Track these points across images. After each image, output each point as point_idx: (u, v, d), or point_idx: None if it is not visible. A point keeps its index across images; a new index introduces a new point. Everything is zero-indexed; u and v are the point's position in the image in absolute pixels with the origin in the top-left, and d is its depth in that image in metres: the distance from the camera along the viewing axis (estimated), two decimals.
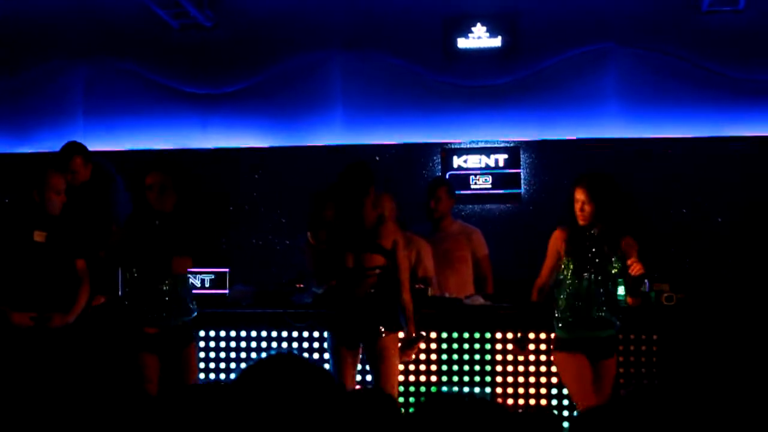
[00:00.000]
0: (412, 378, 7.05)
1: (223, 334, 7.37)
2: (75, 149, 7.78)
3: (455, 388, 6.98)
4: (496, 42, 9.52)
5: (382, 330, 6.29)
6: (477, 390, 6.97)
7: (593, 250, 6.10)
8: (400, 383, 6.80)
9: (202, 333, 7.32)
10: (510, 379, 6.97)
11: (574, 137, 9.32)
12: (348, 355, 6.37)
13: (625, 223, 6.22)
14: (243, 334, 7.35)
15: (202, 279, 7.77)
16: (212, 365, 7.34)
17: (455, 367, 7.03)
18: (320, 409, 2.40)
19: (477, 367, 7.02)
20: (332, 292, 6.49)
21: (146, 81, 10.09)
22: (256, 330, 7.33)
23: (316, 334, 7.23)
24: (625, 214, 6.31)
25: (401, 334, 6.42)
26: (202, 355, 7.31)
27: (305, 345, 7.25)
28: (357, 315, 6.32)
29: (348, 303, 6.35)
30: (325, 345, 6.88)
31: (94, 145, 9.74)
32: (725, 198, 9.16)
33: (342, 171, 6.43)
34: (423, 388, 7.06)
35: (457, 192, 9.24)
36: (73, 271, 6.48)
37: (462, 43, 9.55)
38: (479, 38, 9.53)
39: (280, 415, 2.33)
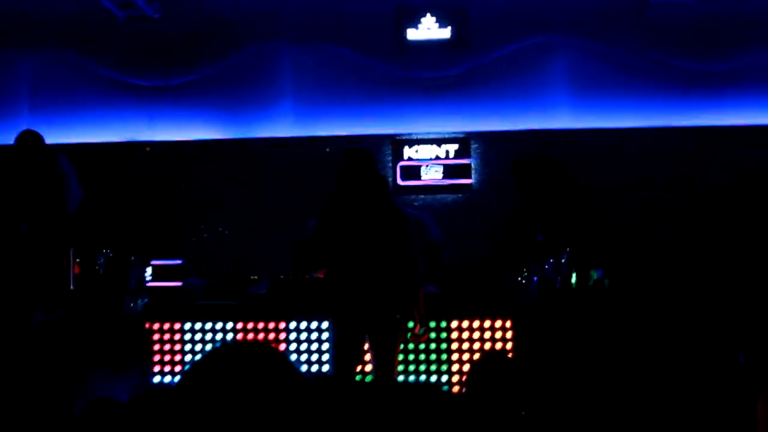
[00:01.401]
0: (369, 368, 7.06)
1: (177, 326, 7.32)
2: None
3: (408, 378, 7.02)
4: (446, 33, 9.56)
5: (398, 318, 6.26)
6: (433, 378, 7.01)
7: None
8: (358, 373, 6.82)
9: (156, 326, 7.26)
10: (466, 368, 7.01)
11: (525, 128, 9.40)
12: (364, 342, 6.28)
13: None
14: (198, 326, 7.30)
15: (155, 271, 7.72)
16: (167, 358, 7.29)
17: (411, 356, 7.06)
18: (278, 395, 2.38)
19: (433, 356, 7.05)
20: (342, 279, 6.31)
21: (92, 73, 9.99)
22: (211, 322, 7.28)
23: (271, 325, 7.21)
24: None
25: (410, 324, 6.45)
26: (156, 348, 7.25)
27: (261, 336, 7.23)
28: (372, 303, 6.21)
29: (363, 291, 6.23)
30: (292, 336, 6.88)
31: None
32: (673, 188, 9.29)
33: (346, 158, 6.38)
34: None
35: (408, 183, 9.30)
36: None
37: (412, 34, 9.58)
38: (429, 29, 9.57)
39: (237, 406, 2.31)
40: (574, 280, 7.07)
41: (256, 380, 2.29)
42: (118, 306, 6.68)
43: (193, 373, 2.35)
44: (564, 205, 6.19)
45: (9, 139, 9.84)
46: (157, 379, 7.20)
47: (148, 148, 9.73)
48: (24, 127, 9.87)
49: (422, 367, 7.04)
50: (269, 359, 2.38)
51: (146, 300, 6.76)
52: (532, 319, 6.14)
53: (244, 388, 2.26)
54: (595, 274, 7.43)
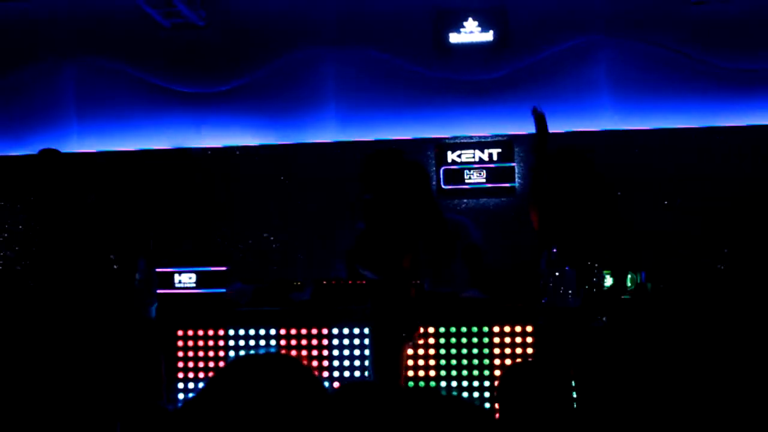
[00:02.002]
0: (410, 373, 7.07)
1: (221, 333, 7.39)
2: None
3: (445, 383, 7.02)
4: (488, 36, 9.55)
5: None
6: (475, 383, 7.00)
7: None
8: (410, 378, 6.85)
9: (200, 332, 7.34)
10: None
11: (567, 130, 9.35)
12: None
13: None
14: (242, 332, 7.36)
15: (199, 277, 7.80)
16: (212, 364, 7.36)
17: (453, 362, 7.06)
18: (299, 407, 2.40)
19: (475, 361, 7.05)
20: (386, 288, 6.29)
21: (139, 81, 10.10)
22: (254, 329, 7.34)
23: (314, 331, 7.25)
24: None
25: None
26: (201, 354, 7.32)
27: (303, 342, 7.27)
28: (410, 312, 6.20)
29: (402, 300, 6.21)
30: (335, 342, 6.92)
31: (89, 147, 9.82)
32: (715, 188, 9.19)
33: (396, 167, 6.33)
34: (421, 383, 7.09)
35: (451, 186, 9.31)
36: None
37: (454, 38, 9.58)
38: (471, 33, 9.56)
39: (254, 416, 2.33)
40: (609, 282, 7.01)
41: (274, 390, 2.32)
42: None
43: (212, 383, 2.38)
44: (589, 204, 6.08)
45: (59, 147, 10.01)
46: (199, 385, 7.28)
47: (209, 152, 9.83)
48: (74, 136, 10.07)
49: (464, 372, 7.05)
50: (288, 369, 2.41)
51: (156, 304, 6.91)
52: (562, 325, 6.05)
53: (261, 399, 2.29)
54: (638, 278, 7.39)
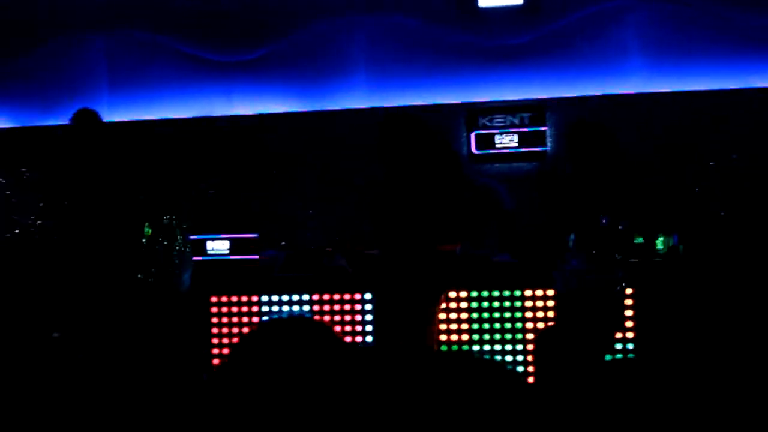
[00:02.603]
0: (443, 337, 7.11)
1: (255, 299, 7.45)
2: None
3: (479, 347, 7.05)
4: (518, 0, 9.49)
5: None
6: (507, 347, 7.03)
7: None
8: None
9: (234, 299, 7.40)
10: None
11: (599, 93, 9.30)
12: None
13: None
14: (275, 298, 7.43)
15: (232, 244, 7.85)
16: (245, 330, 7.42)
17: (485, 325, 7.09)
18: (324, 367, 2.42)
19: (507, 325, 7.08)
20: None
21: (168, 50, 10.12)
22: (287, 295, 7.40)
23: (347, 296, 7.30)
24: None
25: None
26: (234, 320, 7.40)
27: (336, 308, 7.32)
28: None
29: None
30: (368, 307, 6.96)
31: (120, 116, 9.87)
32: (750, 150, 9.13)
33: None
34: (454, 347, 7.13)
35: (482, 152, 9.29)
36: None
37: (483, 2, 9.52)
38: None
39: (282, 379, 2.35)
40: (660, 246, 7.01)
41: (302, 353, 2.35)
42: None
43: (239, 347, 2.42)
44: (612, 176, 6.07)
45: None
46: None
47: (222, 123, 9.86)
48: (105, 106, 10.13)
49: (496, 336, 7.08)
50: (314, 332, 2.44)
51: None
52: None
53: (289, 361, 2.32)
54: (670, 241, 7.38)
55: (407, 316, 6.12)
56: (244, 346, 2.37)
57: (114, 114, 9.99)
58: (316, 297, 7.35)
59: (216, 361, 7.37)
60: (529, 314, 7.06)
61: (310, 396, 2.28)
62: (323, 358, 2.34)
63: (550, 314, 6.99)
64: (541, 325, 7.00)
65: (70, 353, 6.23)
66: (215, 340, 7.40)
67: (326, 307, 7.32)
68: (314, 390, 2.29)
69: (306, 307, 7.36)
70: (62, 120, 10.08)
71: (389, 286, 6.10)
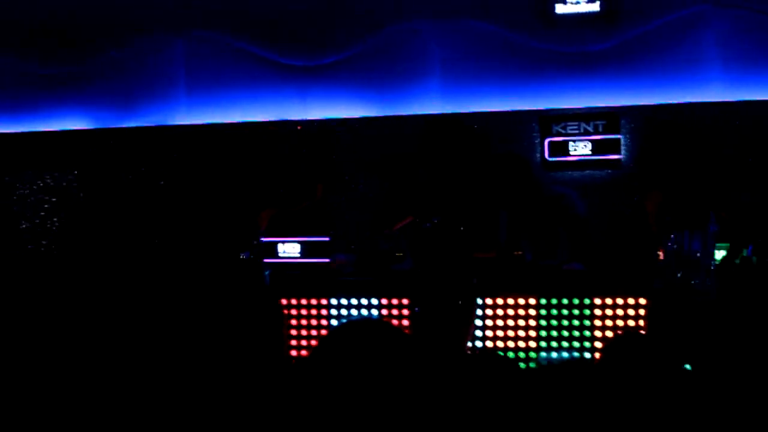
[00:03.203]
0: (511, 344, 7.09)
1: (324, 302, 7.49)
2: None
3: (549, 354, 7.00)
4: (595, 7, 9.42)
5: None
6: (575, 355, 6.97)
7: None
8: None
9: (304, 301, 7.45)
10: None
11: (675, 101, 9.19)
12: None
13: None
14: (344, 301, 7.46)
15: (304, 247, 7.92)
16: (314, 333, 7.47)
17: (554, 333, 7.05)
18: (407, 372, 2.46)
19: (576, 333, 7.02)
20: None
21: (245, 53, 10.24)
22: (356, 298, 7.43)
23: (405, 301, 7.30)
24: None
25: None
26: (303, 322, 7.45)
27: (405, 312, 7.33)
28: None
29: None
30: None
31: (197, 119, 10.01)
32: None
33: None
34: (522, 354, 7.10)
35: (556, 158, 9.25)
36: None
37: (560, 8, 9.47)
38: (577, 3, 9.44)
39: (365, 381, 2.40)
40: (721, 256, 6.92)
41: (380, 354, 2.39)
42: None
43: (321, 348, 2.47)
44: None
45: (167, 120, 10.27)
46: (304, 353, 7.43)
47: (299, 127, 9.93)
48: (183, 108, 10.28)
49: (564, 344, 7.03)
50: (389, 335, 2.48)
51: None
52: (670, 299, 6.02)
53: (368, 362, 2.36)
54: (744, 251, 7.26)
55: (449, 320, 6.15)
56: (324, 348, 2.43)
57: (191, 116, 10.15)
58: (384, 301, 7.37)
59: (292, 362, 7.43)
60: (597, 323, 7.00)
61: (389, 395, 2.32)
62: (399, 359, 2.38)
63: (620, 323, 6.93)
64: (609, 334, 6.93)
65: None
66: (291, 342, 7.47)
67: (394, 311, 7.34)
68: (392, 389, 2.33)
69: (374, 311, 7.38)
70: (140, 122, 10.29)
71: (428, 292, 6.14)
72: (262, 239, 7.53)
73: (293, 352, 7.46)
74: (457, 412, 2.93)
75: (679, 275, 6.00)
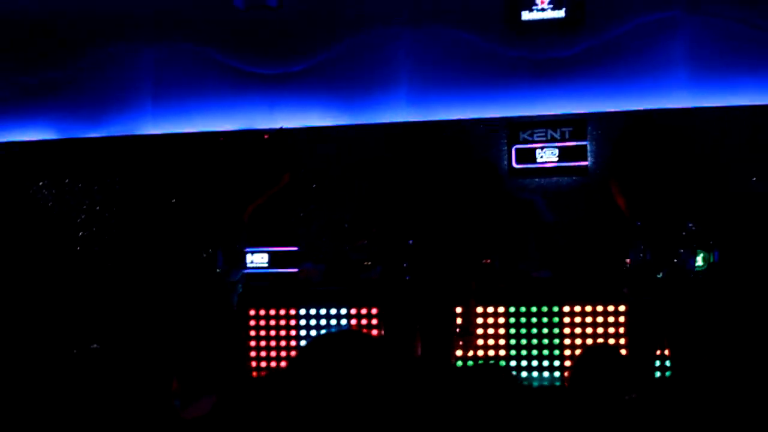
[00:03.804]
0: (480, 353, 7.09)
1: (293, 312, 7.47)
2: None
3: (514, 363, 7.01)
4: (561, 13, 9.45)
5: None
6: (545, 363, 6.99)
7: None
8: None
9: (272, 312, 7.43)
10: (577, 352, 6.98)
11: (641, 108, 9.24)
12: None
13: None
14: (313, 311, 7.44)
15: (272, 257, 7.89)
16: (283, 343, 7.45)
17: (523, 341, 7.06)
18: (387, 384, 2.45)
19: (545, 341, 7.04)
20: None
21: (212, 62, 10.19)
22: (325, 308, 7.41)
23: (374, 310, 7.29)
24: None
25: None
26: (272, 333, 7.42)
27: (374, 322, 7.32)
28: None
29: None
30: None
31: (163, 128, 9.95)
32: None
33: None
34: (491, 362, 7.09)
35: (523, 166, 9.26)
36: None
37: (526, 15, 9.50)
38: (543, 10, 9.47)
39: (343, 393, 2.39)
40: (700, 263, 6.94)
41: (359, 365, 2.38)
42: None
43: (299, 360, 2.46)
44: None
45: (134, 130, 10.20)
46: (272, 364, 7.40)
47: (266, 136, 9.89)
48: (149, 118, 10.22)
49: (534, 352, 7.04)
50: (365, 345, 2.47)
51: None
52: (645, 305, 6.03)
53: (343, 373, 2.35)
54: (711, 257, 7.29)
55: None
56: (300, 361, 2.42)
57: (157, 126, 10.09)
58: (353, 311, 7.35)
59: (254, 374, 7.40)
60: (567, 330, 7.01)
61: (365, 406, 2.31)
62: (376, 370, 2.37)
63: (588, 330, 6.95)
64: (579, 341, 6.95)
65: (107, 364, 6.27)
66: (252, 353, 7.43)
67: (363, 321, 7.33)
68: (369, 401, 2.32)
69: (343, 321, 7.37)
70: (106, 132, 10.22)
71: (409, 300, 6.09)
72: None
73: (263, 363, 7.44)
74: (435, 423, 2.93)
75: (650, 281, 6.01)
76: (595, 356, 4.11)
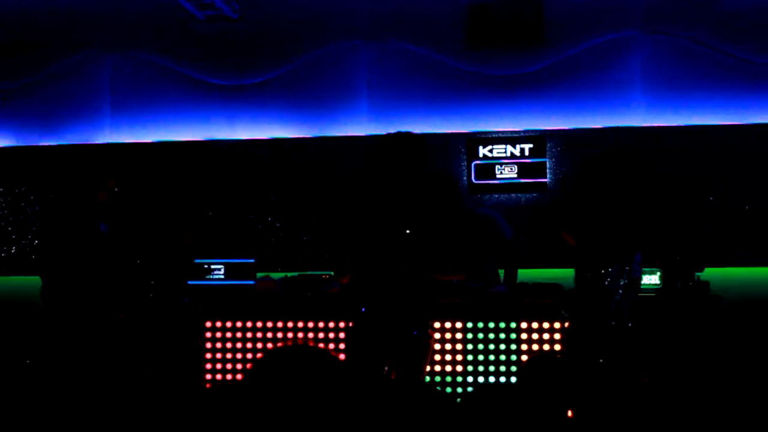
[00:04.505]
0: (437, 368, 7.07)
1: (249, 325, 7.41)
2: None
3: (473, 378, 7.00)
4: (522, 30, 9.50)
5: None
6: (501, 378, 6.98)
7: None
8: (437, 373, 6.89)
9: (228, 324, 7.37)
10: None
11: (600, 126, 9.31)
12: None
13: None
14: (269, 324, 7.39)
15: (228, 269, 7.83)
16: (239, 355, 7.39)
17: (480, 357, 7.05)
18: (332, 396, 2.45)
19: (503, 357, 7.04)
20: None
21: (172, 72, 10.15)
22: (282, 321, 7.36)
23: (342, 324, 7.26)
24: None
25: None
26: (228, 345, 7.36)
27: (331, 335, 7.29)
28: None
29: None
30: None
31: (122, 137, 9.89)
32: (752, 186, 9.12)
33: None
34: (449, 378, 7.08)
35: (483, 181, 9.29)
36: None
37: (486, 31, 9.53)
38: (506, 26, 9.51)
39: (294, 406, 2.38)
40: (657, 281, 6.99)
41: (306, 379, 2.37)
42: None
43: (254, 372, 2.45)
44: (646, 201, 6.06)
45: (91, 138, 10.12)
46: (228, 376, 7.35)
47: (240, 144, 9.85)
48: (107, 127, 10.14)
49: (491, 368, 7.04)
50: (317, 360, 2.47)
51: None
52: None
53: (295, 387, 2.34)
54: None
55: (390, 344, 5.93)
56: (254, 374, 2.41)
57: (115, 135, 10.02)
58: (311, 324, 7.31)
59: (208, 386, 7.33)
60: (524, 346, 7.02)
61: (317, 421, 2.31)
62: (328, 385, 2.37)
63: (546, 347, 6.96)
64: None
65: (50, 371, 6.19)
66: (208, 366, 7.37)
67: (320, 335, 7.29)
68: (321, 415, 2.32)
69: (300, 334, 7.32)
70: (63, 140, 10.12)
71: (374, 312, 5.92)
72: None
73: (218, 376, 7.38)
74: None
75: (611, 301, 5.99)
76: (541, 364, 4.13)
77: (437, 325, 7.03)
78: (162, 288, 7.10)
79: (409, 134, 5.85)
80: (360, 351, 5.70)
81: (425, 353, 5.83)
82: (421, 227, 5.85)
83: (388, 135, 5.83)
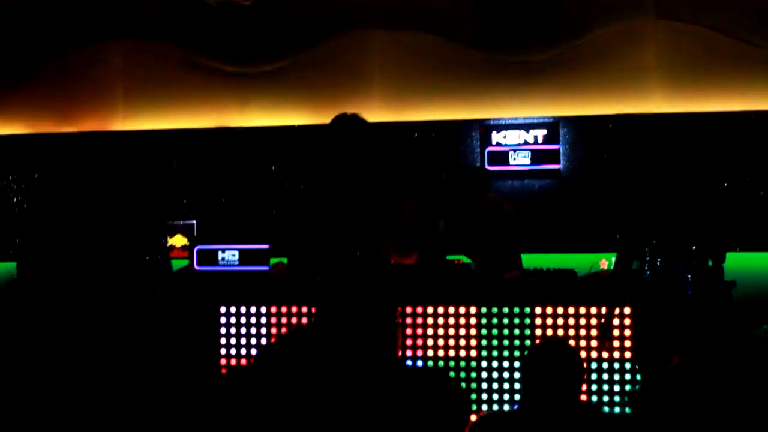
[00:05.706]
0: (452, 353, 7.06)
1: (264, 310, 7.41)
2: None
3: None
4: (534, 16, 9.47)
5: None
6: (516, 364, 6.97)
7: None
8: (440, 358, 6.87)
9: (243, 309, 7.38)
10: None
11: (613, 112, 9.28)
12: None
13: None
14: (284, 309, 7.39)
15: (242, 255, 7.84)
16: (253, 341, 7.39)
17: (494, 342, 7.03)
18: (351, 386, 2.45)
19: (516, 342, 7.01)
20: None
21: (185, 60, 10.15)
22: (296, 306, 7.36)
23: None
24: None
25: None
26: (243, 331, 7.37)
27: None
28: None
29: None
30: None
31: (135, 125, 9.89)
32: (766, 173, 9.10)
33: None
34: (462, 363, 7.07)
35: (496, 168, 9.28)
36: None
37: (500, 18, 9.51)
38: (518, 12, 9.48)
39: (307, 390, 2.38)
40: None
41: (318, 362, 2.38)
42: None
43: (264, 356, 2.44)
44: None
45: (105, 126, 10.14)
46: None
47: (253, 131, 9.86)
48: (120, 114, 10.15)
49: (505, 353, 7.02)
50: (326, 344, 2.47)
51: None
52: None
53: (307, 369, 2.35)
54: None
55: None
56: (263, 360, 2.41)
57: (128, 122, 10.03)
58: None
59: (223, 372, 7.34)
60: (538, 332, 6.99)
61: (323, 405, 2.31)
62: (332, 370, 2.37)
63: (560, 332, 6.94)
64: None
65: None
66: (222, 351, 7.37)
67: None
68: (325, 397, 2.32)
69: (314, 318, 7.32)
70: (78, 127, 10.14)
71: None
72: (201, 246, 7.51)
73: (233, 361, 7.38)
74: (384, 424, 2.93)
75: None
76: (547, 350, 4.11)
77: (451, 310, 7.00)
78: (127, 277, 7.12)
79: (354, 116, 5.88)
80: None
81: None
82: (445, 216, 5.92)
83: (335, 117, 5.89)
